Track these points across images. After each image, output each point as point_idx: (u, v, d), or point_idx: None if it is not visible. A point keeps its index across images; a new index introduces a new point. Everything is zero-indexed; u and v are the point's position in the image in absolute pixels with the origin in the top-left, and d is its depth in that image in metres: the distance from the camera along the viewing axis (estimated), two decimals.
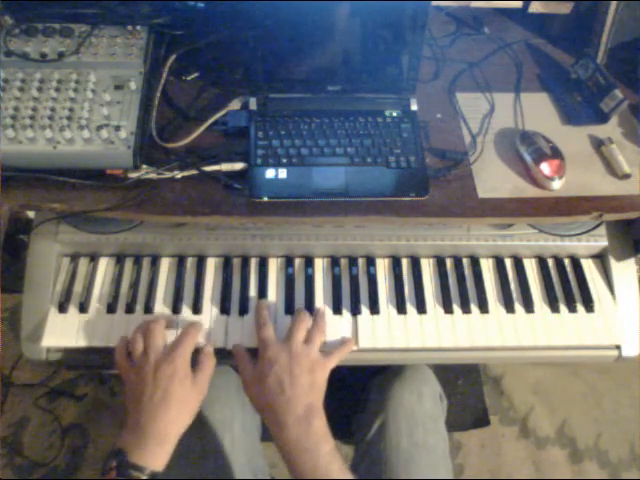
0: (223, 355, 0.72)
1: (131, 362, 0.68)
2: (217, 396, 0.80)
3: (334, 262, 0.80)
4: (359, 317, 0.76)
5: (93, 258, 0.79)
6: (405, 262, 0.81)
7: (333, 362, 0.70)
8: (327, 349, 0.71)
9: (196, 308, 0.76)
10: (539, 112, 0.81)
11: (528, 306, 0.78)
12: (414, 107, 0.79)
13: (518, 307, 0.78)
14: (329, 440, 0.63)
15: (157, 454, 0.61)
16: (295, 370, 0.65)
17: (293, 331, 0.70)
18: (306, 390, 0.65)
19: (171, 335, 0.71)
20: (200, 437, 0.76)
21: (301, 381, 0.65)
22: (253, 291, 0.77)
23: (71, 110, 0.69)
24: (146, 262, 0.80)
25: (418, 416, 0.80)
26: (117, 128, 0.68)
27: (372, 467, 0.79)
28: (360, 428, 0.88)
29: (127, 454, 0.60)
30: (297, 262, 0.80)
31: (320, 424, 0.64)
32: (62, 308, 0.74)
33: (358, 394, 1.00)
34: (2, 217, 0.77)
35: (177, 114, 0.78)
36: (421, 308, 0.77)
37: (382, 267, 0.81)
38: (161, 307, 0.76)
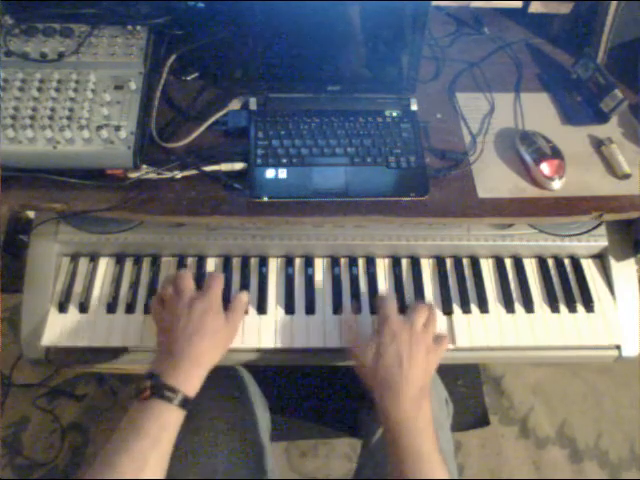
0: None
1: (164, 305, 0.68)
2: (228, 395, 0.81)
3: (334, 262, 0.80)
4: (359, 317, 0.76)
5: (93, 258, 0.79)
6: (405, 262, 0.81)
7: (442, 351, 0.70)
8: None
9: None
10: (539, 112, 0.81)
11: (528, 306, 0.78)
12: (414, 107, 0.79)
13: (518, 307, 0.78)
14: (432, 425, 0.63)
15: (190, 377, 0.62)
16: (414, 350, 0.66)
17: (415, 314, 0.70)
18: (421, 371, 0.65)
19: None
20: (209, 435, 0.76)
21: (418, 361, 0.65)
22: (253, 291, 0.77)
23: (71, 110, 0.69)
24: (146, 262, 0.80)
25: None
26: (117, 128, 0.68)
27: (378, 470, 0.79)
28: (366, 430, 0.87)
29: (161, 376, 0.60)
30: (297, 262, 0.80)
31: (429, 408, 0.64)
32: (62, 308, 0.74)
33: (363, 390, 1.00)
34: (2, 217, 0.77)
35: (177, 114, 0.78)
36: None
37: (382, 267, 0.81)
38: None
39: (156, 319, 0.69)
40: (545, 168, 0.72)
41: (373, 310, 0.77)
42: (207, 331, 0.65)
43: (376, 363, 0.66)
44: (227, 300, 0.75)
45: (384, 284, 0.79)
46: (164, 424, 0.58)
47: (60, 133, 0.67)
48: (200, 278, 0.78)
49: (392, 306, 0.70)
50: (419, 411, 0.63)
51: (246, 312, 0.76)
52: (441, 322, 0.76)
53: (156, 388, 0.59)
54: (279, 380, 1.29)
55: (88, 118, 0.69)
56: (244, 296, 0.73)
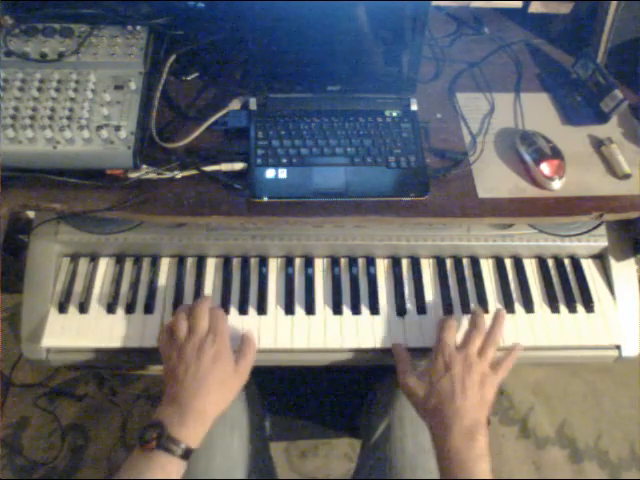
0: None
1: (173, 340, 0.67)
2: None
3: (334, 262, 0.80)
4: (359, 317, 0.76)
5: (93, 258, 0.79)
6: (405, 262, 0.81)
7: (501, 376, 0.68)
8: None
9: None
10: (539, 112, 0.81)
11: (528, 306, 0.78)
12: (414, 107, 0.79)
13: (518, 307, 0.78)
14: (487, 460, 0.62)
15: (195, 431, 0.61)
16: (467, 382, 0.65)
17: (469, 340, 0.69)
18: (475, 404, 0.64)
19: None
20: (208, 435, 0.76)
21: (471, 394, 0.64)
22: (253, 291, 0.77)
23: (71, 110, 0.69)
24: (146, 262, 0.80)
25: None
26: (117, 128, 0.68)
27: (377, 469, 0.79)
28: (366, 430, 0.87)
29: (167, 427, 0.60)
30: (297, 262, 0.80)
31: (483, 441, 0.62)
32: (62, 308, 0.74)
33: (363, 391, 1.00)
34: (2, 217, 0.77)
35: (177, 114, 0.78)
36: (421, 308, 0.77)
37: (382, 267, 0.81)
38: (161, 307, 0.76)
39: (164, 355, 0.67)
40: (545, 168, 0.72)
41: (372, 311, 0.77)
42: (215, 383, 0.63)
43: (428, 394, 0.65)
44: (227, 300, 0.76)
45: (384, 284, 0.79)
46: (167, 476, 0.59)
47: (60, 133, 0.67)
48: (200, 278, 0.78)
49: (451, 334, 0.70)
50: (472, 442, 0.61)
51: (245, 312, 0.76)
52: None
53: (162, 440, 0.59)
54: (279, 380, 1.29)
55: (88, 118, 0.69)
56: (254, 339, 0.71)
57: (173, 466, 0.59)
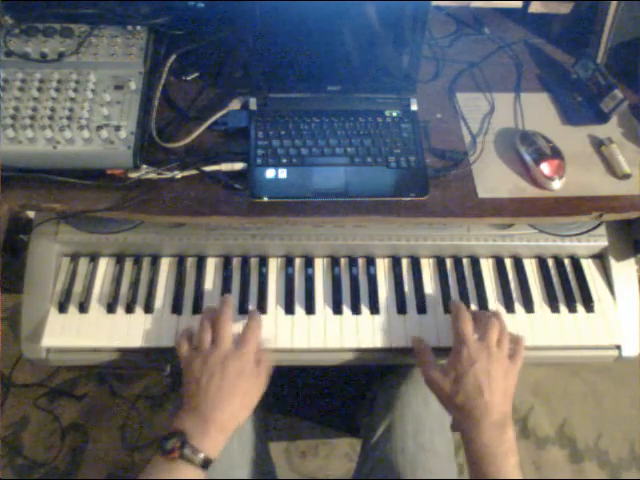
0: None
1: (196, 349, 0.67)
2: None
3: (334, 262, 0.80)
4: (359, 317, 0.76)
5: (93, 258, 0.79)
6: (405, 262, 0.81)
7: (519, 365, 0.68)
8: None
9: (196, 308, 0.76)
10: (539, 112, 0.81)
11: (528, 306, 0.78)
12: (414, 107, 0.79)
13: (518, 307, 0.78)
14: (516, 453, 0.62)
15: (217, 442, 0.62)
16: (493, 373, 0.64)
17: (489, 331, 0.68)
18: (502, 397, 0.64)
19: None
20: None
21: (499, 386, 0.64)
22: (253, 291, 0.77)
23: (71, 110, 0.69)
24: (146, 262, 0.80)
25: (425, 419, 0.80)
26: (117, 128, 0.68)
27: (378, 468, 0.79)
28: (367, 429, 0.87)
29: (189, 437, 0.60)
30: (297, 262, 0.80)
31: (512, 434, 0.62)
32: (62, 308, 0.74)
33: (363, 390, 1.00)
34: (2, 217, 0.77)
35: (177, 114, 0.78)
36: (421, 308, 0.77)
37: (382, 267, 0.81)
38: (161, 307, 0.76)
39: (185, 362, 0.67)
40: (545, 168, 0.72)
41: (372, 310, 0.77)
42: (238, 394, 0.64)
43: (455, 390, 0.65)
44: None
45: (384, 284, 0.79)
46: None
47: (60, 133, 0.67)
48: (200, 278, 0.78)
49: (468, 326, 0.69)
50: (502, 436, 0.62)
51: (245, 312, 0.76)
52: (442, 322, 0.76)
53: (183, 450, 0.59)
54: (279, 380, 1.29)
55: (88, 118, 0.69)
56: (269, 348, 0.72)
57: (193, 475, 0.59)
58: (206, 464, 0.60)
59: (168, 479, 0.58)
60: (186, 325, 0.72)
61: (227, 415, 0.62)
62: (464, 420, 0.64)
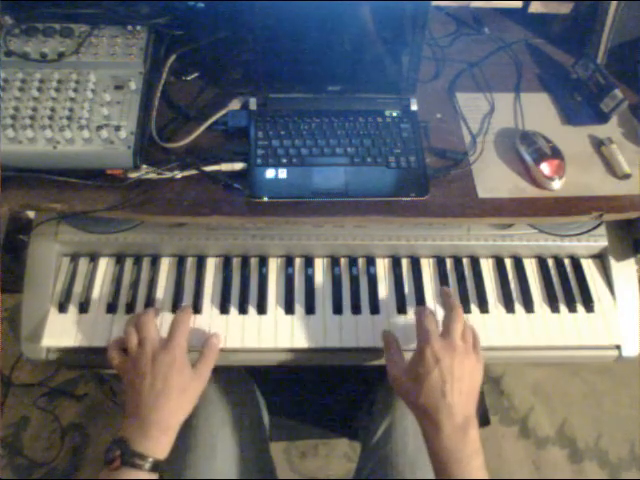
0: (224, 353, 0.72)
1: (125, 356, 0.67)
2: (227, 393, 0.80)
3: (334, 262, 0.80)
4: (359, 317, 0.76)
5: (93, 258, 0.79)
6: (405, 262, 0.81)
7: (482, 361, 0.66)
8: None
9: (196, 308, 0.76)
10: (539, 112, 0.81)
11: (528, 306, 0.78)
12: (414, 107, 0.79)
13: (518, 307, 0.78)
14: (480, 453, 0.61)
15: (160, 442, 0.61)
16: (457, 372, 0.62)
17: (451, 326, 0.66)
18: (465, 396, 0.62)
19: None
20: (208, 434, 0.76)
21: (463, 386, 0.62)
22: (253, 291, 0.77)
23: (71, 110, 0.69)
24: (146, 262, 0.80)
25: None
26: (117, 128, 0.68)
27: (378, 469, 0.79)
28: (367, 430, 0.87)
29: (130, 443, 0.59)
30: (297, 262, 0.80)
31: (475, 435, 0.61)
32: (62, 308, 0.74)
33: (361, 392, 1.00)
34: (2, 217, 0.77)
35: (177, 114, 0.78)
36: None
37: (382, 267, 0.81)
38: (161, 307, 0.76)
39: (119, 370, 0.67)
40: (545, 168, 0.72)
41: (373, 310, 0.77)
42: (173, 390, 0.63)
43: (417, 390, 0.62)
44: (227, 300, 0.76)
45: (384, 284, 0.79)
46: None
47: (60, 133, 0.67)
48: (200, 278, 0.78)
49: (432, 323, 0.67)
50: (465, 438, 0.60)
51: (245, 312, 0.76)
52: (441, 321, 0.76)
53: (126, 456, 0.58)
54: (279, 380, 1.29)
55: (88, 118, 0.69)
56: (216, 340, 0.71)
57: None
58: (154, 467, 0.59)
59: None
60: (116, 336, 0.72)
61: (165, 414, 0.62)
62: (427, 423, 0.62)
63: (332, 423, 1.29)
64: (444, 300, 0.71)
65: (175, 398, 0.63)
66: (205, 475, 0.73)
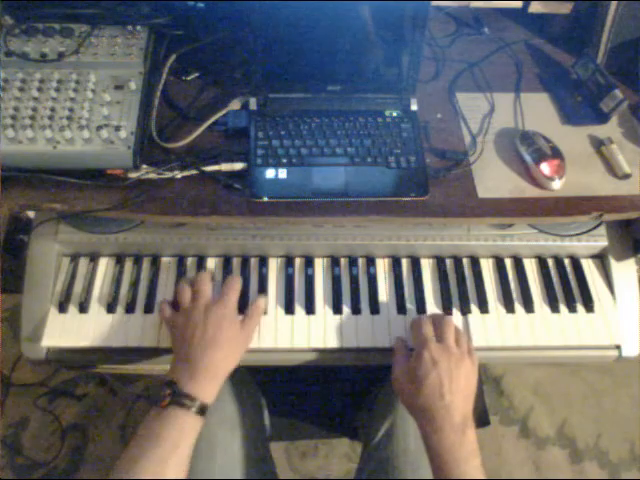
0: None
1: (178, 309, 0.70)
2: (228, 392, 0.81)
3: (334, 262, 0.80)
4: (359, 317, 0.76)
5: (93, 258, 0.79)
6: (405, 262, 0.81)
7: (477, 364, 0.68)
8: None
9: None
10: (539, 112, 0.81)
11: (528, 306, 0.78)
12: (414, 107, 0.79)
13: (518, 307, 0.78)
14: (477, 454, 0.62)
15: (208, 387, 0.63)
16: (454, 374, 0.64)
17: (446, 330, 0.68)
18: (462, 399, 0.63)
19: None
20: (208, 434, 0.76)
21: (460, 387, 0.64)
22: (253, 291, 0.77)
23: (71, 110, 0.69)
24: (146, 262, 0.80)
25: None
26: (117, 128, 0.68)
27: (379, 470, 0.79)
28: (368, 430, 0.87)
29: (180, 385, 0.62)
30: (297, 262, 0.80)
31: (473, 436, 0.62)
32: (62, 308, 0.74)
33: (361, 391, 1.00)
34: (2, 217, 0.77)
35: (177, 114, 0.78)
36: (421, 308, 0.77)
37: (382, 267, 0.81)
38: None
39: (169, 322, 0.70)
40: (545, 168, 0.72)
41: (373, 311, 0.77)
42: (223, 340, 0.65)
43: (416, 392, 0.64)
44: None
45: (384, 284, 0.79)
46: (183, 430, 0.60)
47: (60, 133, 0.67)
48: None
49: (429, 329, 0.69)
50: (463, 438, 0.61)
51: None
52: None
53: (175, 396, 0.60)
54: (279, 380, 1.29)
55: (88, 118, 0.69)
56: (261, 302, 0.73)
57: (189, 421, 0.60)
58: (201, 410, 0.61)
59: (162, 427, 0.59)
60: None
61: (214, 361, 0.64)
62: (426, 423, 0.63)
63: (332, 423, 1.29)
64: (433, 317, 0.72)
65: (225, 348, 0.65)
66: (205, 475, 0.73)
